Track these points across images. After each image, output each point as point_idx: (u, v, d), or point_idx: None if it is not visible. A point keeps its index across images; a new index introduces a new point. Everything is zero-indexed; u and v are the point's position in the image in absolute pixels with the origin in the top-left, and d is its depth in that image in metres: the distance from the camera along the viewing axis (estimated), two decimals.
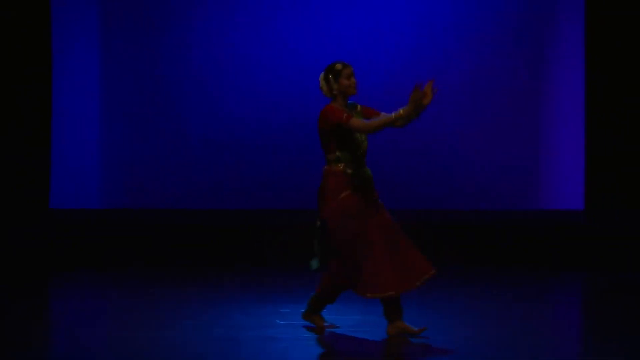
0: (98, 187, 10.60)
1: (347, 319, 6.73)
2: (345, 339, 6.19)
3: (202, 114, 10.56)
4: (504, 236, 10.21)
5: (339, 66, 6.14)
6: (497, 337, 6.30)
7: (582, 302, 8.58)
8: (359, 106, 6.25)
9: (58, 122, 10.47)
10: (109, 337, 6.40)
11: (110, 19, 10.66)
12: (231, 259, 9.94)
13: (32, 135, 10.34)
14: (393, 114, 5.92)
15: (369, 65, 10.34)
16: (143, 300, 7.75)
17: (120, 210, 10.56)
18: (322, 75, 6.19)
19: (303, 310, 6.43)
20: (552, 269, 9.68)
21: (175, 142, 10.54)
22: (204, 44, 10.63)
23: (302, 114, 10.33)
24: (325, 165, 6.17)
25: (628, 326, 6.88)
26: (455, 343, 6.05)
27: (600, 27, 10.36)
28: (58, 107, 10.45)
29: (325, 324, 6.36)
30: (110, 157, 10.62)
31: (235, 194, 10.60)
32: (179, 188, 10.54)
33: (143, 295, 8.00)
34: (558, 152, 10.65)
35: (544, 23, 10.62)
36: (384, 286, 5.97)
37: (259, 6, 10.66)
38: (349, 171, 6.10)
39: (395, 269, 6.01)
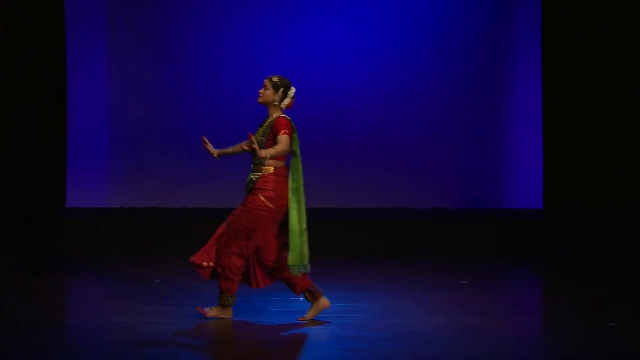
0: (108, 188, 10.76)
1: (335, 305, 6.82)
2: (329, 326, 6.31)
3: (206, 117, 10.62)
4: (475, 231, 10.30)
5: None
6: (463, 319, 6.52)
7: (542, 288, 8.69)
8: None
9: (73, 132, 10.60)
10: (108, 322, 6.42)
11: (119, 25, 10.73)
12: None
13: (50, 144, 10.44)
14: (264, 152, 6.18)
15: (341, 82, 10.67)
16: (148, 290, 7.69)
17: (127, 209, 10.69)
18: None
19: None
20: (515, 260, 9.63)
21: (178, 148, 10.63)
22: (211, 47, 10.74)
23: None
24: None
25: (579, 306, 7.18)
26: (431, 324, 6.28)
27: (554, 39, 10.51)
28: (72, 118, 10.56)
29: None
30: (120, 162, 10.74)
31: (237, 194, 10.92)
32: (180, 188, 10.67)
33: (150, 285, 7.93)
34: (519, 159, 10.87)
35: (503, 37, 10.81)
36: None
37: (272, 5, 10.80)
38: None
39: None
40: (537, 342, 6.16)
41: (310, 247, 9.73)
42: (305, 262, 6.42)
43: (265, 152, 6.18)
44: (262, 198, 6.33)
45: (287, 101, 6.44)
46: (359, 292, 7.56)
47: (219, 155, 6.66)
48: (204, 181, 10.64)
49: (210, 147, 6.62)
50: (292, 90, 6.46)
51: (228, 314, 6.49)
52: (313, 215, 10.36)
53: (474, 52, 10.85)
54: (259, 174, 6.37)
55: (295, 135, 6.38)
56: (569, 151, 10.58)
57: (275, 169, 6.36)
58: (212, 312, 6.48)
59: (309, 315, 6.50)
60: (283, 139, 6.26)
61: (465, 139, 10.84)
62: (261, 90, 6.43)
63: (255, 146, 6.13)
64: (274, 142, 6.31)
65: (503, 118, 10.88)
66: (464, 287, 8.00)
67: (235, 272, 6.37)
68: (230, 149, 6.67)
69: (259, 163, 6.35)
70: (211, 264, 6.40)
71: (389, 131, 10.87)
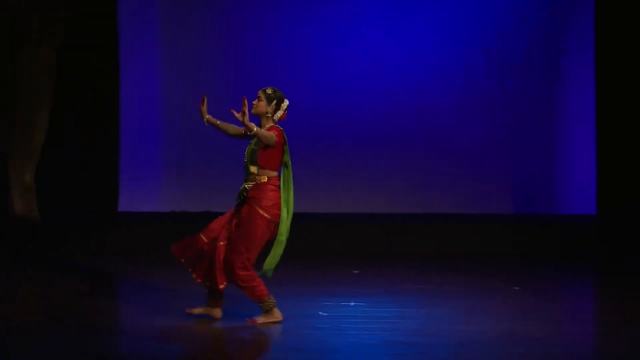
0: (161, 192, 10.97)
1: (385, 311, 6.91)
2: (379, 331, 6.27)
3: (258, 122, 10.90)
4: (527, 237, 10.14)
5: None
6: (515, 325, 6.42)
7: (596, 295, 8.54)
8: None
9: (126, 139, 10.83)
10: (157, 326, 6.46)
11: (172, 28, 10.94)
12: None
13: (104, 150, 10.67)
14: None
15: (397, 84, 10.78)
16: (200, 294, 7.31)
17: (179, 213, 10.89)
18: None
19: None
20: (568, 266, 9.46)
21: (231, 152, 10.61)
22: (265, 53, 10.94)
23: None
24: None
25: (634, 313, 7.04)
26: (482, 330, 6.24)
27: (608, 42, 10.44)
28: (125, 125, 10.79)
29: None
30: (173, 166, 10.96)
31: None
32: (232, 193, 10.99)
33: (200, 288, 7.70)
34: (572, 164, 10.87)
35: (556, 40, 10.82)
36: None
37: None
38: None
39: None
40: (590, 350, 6.09)
41: (366, 251, 9.90)
42: (275, 263, 6.53)
43: (253, 125, 6.23)
44: (256, 207, 6.36)
45: (279, 113, 6.50)
46: (409, 297, 7.55)
47: (208, 121, 6.64)
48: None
49: (204, 109, 6.62)
50: (286, 102, 6.52)
51: (276, 317, 6.51)
52: (362, 220, 10.51)
53: (526, 56, 10.88)
54: (252, 183, 6.39)
55: (286, 147, 6.44)
56: (623, 156, 10.49)
57: (269, 178, 6.41)
58: (260, 319, 6.51)
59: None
60: (271, 133, 6.32)
61: (518, 144, 10.88)
62: (254, 102, 6.48)
63: (246, 109, 6.15)
64: (265, 150, 6.36)
65: (556, 123, 10.88)
66: (516, 293, 7.94)
67: (247, 280, 6.39)
68: (219, 122, 6.65)
69: (253, 173, 6.39)
70: (225, 283, 6.43)
71: (442, 136, 10.86)
